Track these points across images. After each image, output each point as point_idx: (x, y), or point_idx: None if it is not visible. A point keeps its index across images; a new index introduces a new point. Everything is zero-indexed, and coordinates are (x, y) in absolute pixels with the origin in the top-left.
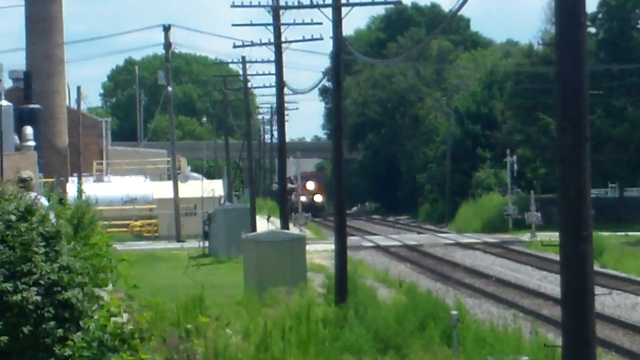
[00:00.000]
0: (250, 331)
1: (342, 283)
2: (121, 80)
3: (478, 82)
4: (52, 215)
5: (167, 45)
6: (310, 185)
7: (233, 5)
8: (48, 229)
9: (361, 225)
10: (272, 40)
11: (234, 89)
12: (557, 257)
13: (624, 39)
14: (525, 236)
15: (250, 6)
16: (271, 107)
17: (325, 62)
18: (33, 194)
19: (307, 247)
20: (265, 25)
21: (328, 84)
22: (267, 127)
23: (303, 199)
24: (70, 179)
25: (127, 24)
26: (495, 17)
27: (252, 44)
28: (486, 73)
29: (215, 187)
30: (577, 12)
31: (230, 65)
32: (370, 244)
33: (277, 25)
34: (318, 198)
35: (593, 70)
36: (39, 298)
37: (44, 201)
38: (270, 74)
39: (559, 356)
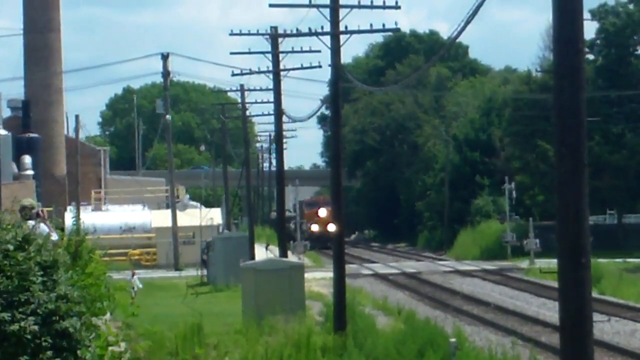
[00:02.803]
0: (249, 359)
1: (340, 311)
2: (119, 109)
3: (476, 109)
4: (54, 236)
5: (166, 73)
6: (323, 212)
7: (232, 34)
8: (45, 258)
9: (360, 253)
10: (270, 68)
11: (233, 117)
12: (555, 284)
13: (622, 65)
14: (524, 263)
15: (249, 34)
16: (270, 135)
17: (324, 90)
18: (45, 227)
19: (306, 275)
20: (264, 53)
21: (327, 112)
22: (266, 155)
23: (315, 228)
24: (68, 207)
25: (125, 52)
26: (494, 44)
27: (251, 72)
28: (485, 100)
29: (214, 216)
30: (575, 39)
31: (229, 94)
32: (369, 272)
33: (275, 53)
34: (332, 227)
35: (591, 97)
36: (36, 327)
37: (54, 236)
38: (268, 101)
39: None
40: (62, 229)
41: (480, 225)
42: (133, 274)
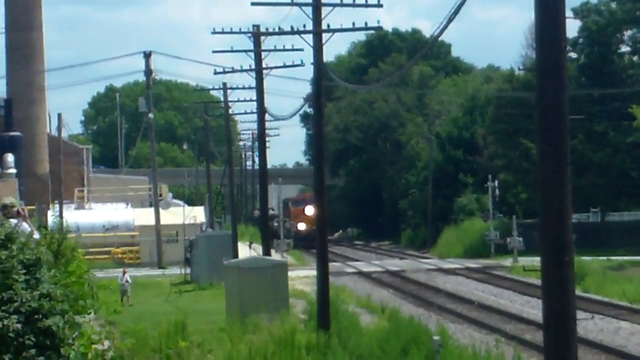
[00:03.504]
0: (233, 358)
1: (324, 309)
2: (102, 107)
3: (459, 107)
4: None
5: (148, 72)
6: (310, 210)
7: (214, 32)
8: (28, 257)
9: (343, 251)
10: (253, 67)
11: (215, 116)
12: (539, 282)
13: (605, 63)
14: (507, 261)
15: (231, 32)
16: (252, 134)
17: (307, 88)
18: (26, 225)
19: (289, 274)
20: (246, 51)
21: (309, 110)
22: (249, 154)
23: (302, 226)
24: (51, 206)
25: (108, 51)
26: (476, 43)
27: (233, 71)
28: (467, 98)
29: (197, 214)
30: (557, 37)
31: (212, 92)
32: (353, 270)
33: (258, 52)
34: None
35: (574, 95)
36: (19, 326)
37: (36, 235)
38: (251, 100)
39: None
40: (45, 227)
41: (463, 224)
42: (124, 273)
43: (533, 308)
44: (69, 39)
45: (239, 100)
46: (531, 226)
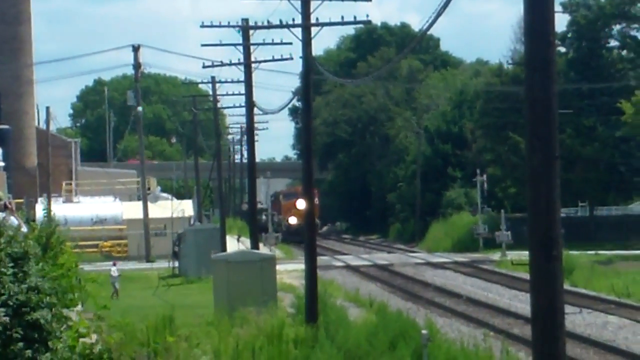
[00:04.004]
0: (221, 351)
1: (312, 303)
2: (90, 101)
3: (448, 101)
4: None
5: (137, 65)
6: (302, 204)
7: (202, 26)
8: (16, 250)
9: (331, 244)
10: (241, 60)
11: (204, 109)
12: (527, 276)
13: (594, 58)
14: (496, 255)
15: (220, 26)
16: (241, 127)
17: (295, 82)
18: (14, 219)
19: (277, 267)
20: (235, 45)
21: (298, 104)
22: (237, 147)
23: (293, 220)
24: (39, 199)
25: (96, 44)
26: (465, 37)
27: (222, 64)
28: (456, 92)
29: (185, 208)
30: (546, 32)
31: (200, 86)
32: (341, 264)
33: (246, 45)
34: None
35: (563, 90)
36: (7, 319)
37: (24, 228)
38: (240, 94)
39: None
40: (34, 220)
41: (452, 218)
42: (114, 264)
43: (521, 302)
44: (57, 32)
45: (227, 94)
46: (519, 220)
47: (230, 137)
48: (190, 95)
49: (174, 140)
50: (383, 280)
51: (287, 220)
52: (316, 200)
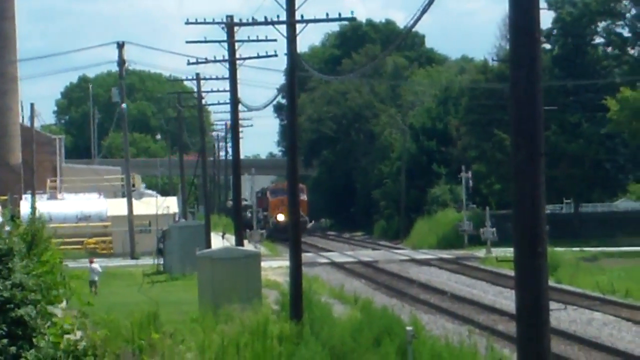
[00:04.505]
0: (205, 348)
1: (297, 300)
2: (75, 98)
3: (433, 98)
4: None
5: (121, 62)
6: None
7: (187, 22)
8: (0, 246)
9: (316, 241)
10: (226, 57)
11: (189, 106)
12: (512, 273)
13: (579, 55)
14: (481, 252)
15: (205, 23)
16: (226, 124)
17: (280, 79)
18: None
19: (262, 264)
20: (220, 42)
21: (283, 101)
22: (222, 144)
23: (281, 217)
24: (24, 196)
25: (80, 41)
26: (450, 34)
27: (207, 61)
28: (441, 89)
29: (170, 204)
30: (531, 29)
31: (185, 82)
32: (326, 261)
33: (231, 42)
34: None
35: (548, 86)
36: None
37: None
38: (224, 90)
39: None
40: (18, 217)
41: (436, 214)
42: (91, 262)
43: (506, 299)
44: (41, 29)
45: (212, 91)
46: (504, 217)
47: (215, 133)
48: (174, 92)
49: (158, 137)
50: (368, 277)
51: (275, 217)
52: (304, 197)
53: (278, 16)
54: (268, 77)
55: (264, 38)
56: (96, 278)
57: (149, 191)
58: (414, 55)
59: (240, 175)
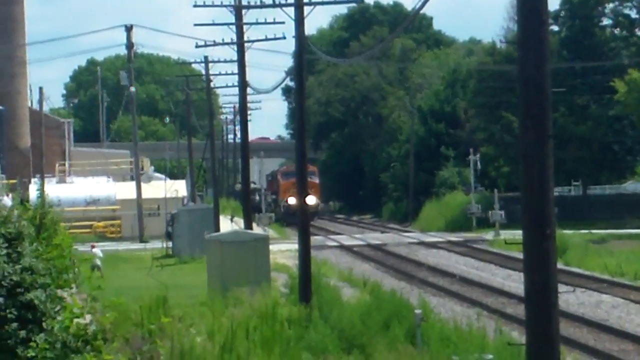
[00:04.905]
0: (215, 331)
1: (306, 283)
2: (83, 81)
3: (441, 80)
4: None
5: (130, 45)
6: None
7: (195, 5)
8: (10, 230)
9: (325, 224)
10: (234, 40)
11: (197, 89)
12: (520, 256)
13: (587, 36)
14: (489, 234)
15: (213, 6)
16: (234, 107)
17: (288, 62)
18: (7, 199)
19: (271, 247)
20: (228, 24)
21: (291, 84)
22: (230, 127)
23: (292, 201)
24: (33, 180)
25: (89, 24)
26: (458, 16)
27: (215, 44)
28: (449, 72)
29: (179, 188)
30: (539, 10)
31: (193, 65)
32: (334, 244)
33: (239, 25)
34: (311, 200)
35: (556, 68)
36: (1, 299)
37: (6, 201)
38: (233, 73)
39: (524, 354)
40: (27, 201)
41: (445, 197)
42: (92, 247)
43: (514, 281)
44: (50, 12)
45: (220, 74)
46: (513, 199)
47: (223, 116)
48: (183, 75)
49: (167, 120)
50: (376, 260)
51: (287, 200)
52: (317, 179)
53: None
54: (276, 59)
55: (272, 20)
56: (99, 262)
57: (158, 174)
58: (422, 37)
59: (248, 158)
